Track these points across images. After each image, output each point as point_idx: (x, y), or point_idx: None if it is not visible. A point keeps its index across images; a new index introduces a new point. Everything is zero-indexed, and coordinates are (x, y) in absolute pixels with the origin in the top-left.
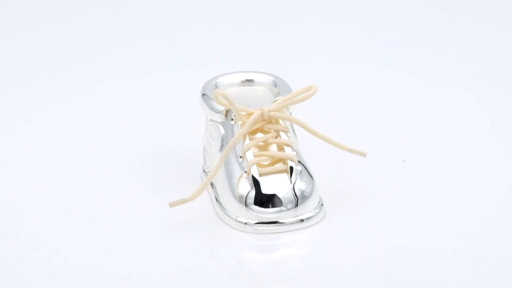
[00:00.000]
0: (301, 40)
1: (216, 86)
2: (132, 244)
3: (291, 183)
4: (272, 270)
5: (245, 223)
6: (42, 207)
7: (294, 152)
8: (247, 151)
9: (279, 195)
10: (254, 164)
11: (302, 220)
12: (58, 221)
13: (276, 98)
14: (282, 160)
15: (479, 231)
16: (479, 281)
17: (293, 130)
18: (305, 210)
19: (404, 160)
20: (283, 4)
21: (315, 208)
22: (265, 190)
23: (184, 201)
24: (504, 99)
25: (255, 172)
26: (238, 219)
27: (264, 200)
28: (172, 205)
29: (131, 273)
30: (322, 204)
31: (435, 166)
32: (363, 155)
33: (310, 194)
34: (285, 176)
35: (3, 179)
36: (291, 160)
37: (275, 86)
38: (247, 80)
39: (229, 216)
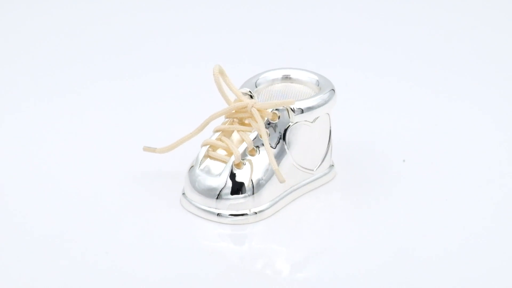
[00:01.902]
0: (301, 40)
1: (256, 85)
2: (130, 244)
3: (218, 175)
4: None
5: (183, 193)
6: (40, 206)
7: (260, 154)
8: (214, 132)
9: (202, 184)
10: (206, 144)
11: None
12: (56, 221)
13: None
14: (251, 151)
15: (480, 231)
16: (479, 282)
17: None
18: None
19: (404, 160)
20: (282, 4)
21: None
22: (197, 171)
23: (154, 150)
24: (505, 100)
25: (203, 152)
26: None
27: (191, 182)
28: (144, 149)
29: (128, 272)
30: (273, 200)
31: (434, 166)
32: (282, 181)
33: (228, 191)
34: (222, 166)
35: (3, 179)
36: (234, 155)
37: (318, 85)
38: (289, 77)
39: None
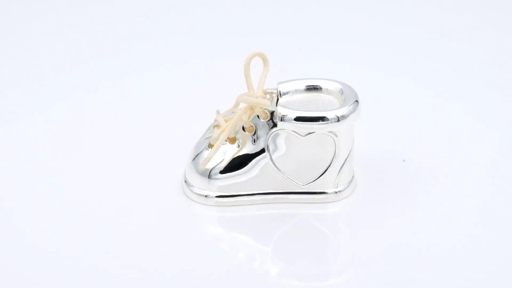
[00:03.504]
0: (301, 40)
1: (280, 94)
2: (130, 243)
3: (193, 155)
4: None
5: (185, 181)
6: (39, 206)
7: (237, 144)
8: (231, 112)
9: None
10: (214, 121)
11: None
12: (56, 221)
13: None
14: (230, 139)
15: (479, 229)
16: (479, 281)
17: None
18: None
19: (404, 160)
20: (282, 4)
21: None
22: (194, 144)
23: (218, 113)
24: (505, 100)
25: (209, 127)
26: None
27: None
28: (217, 112)
29: (128, 271)
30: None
31: (435, 166)
32: (198, 169)
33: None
34: (206, 146)
35: (4, 178)
36: (212, 137)
37: (342, 94)
38: (314, 87)
39: None
